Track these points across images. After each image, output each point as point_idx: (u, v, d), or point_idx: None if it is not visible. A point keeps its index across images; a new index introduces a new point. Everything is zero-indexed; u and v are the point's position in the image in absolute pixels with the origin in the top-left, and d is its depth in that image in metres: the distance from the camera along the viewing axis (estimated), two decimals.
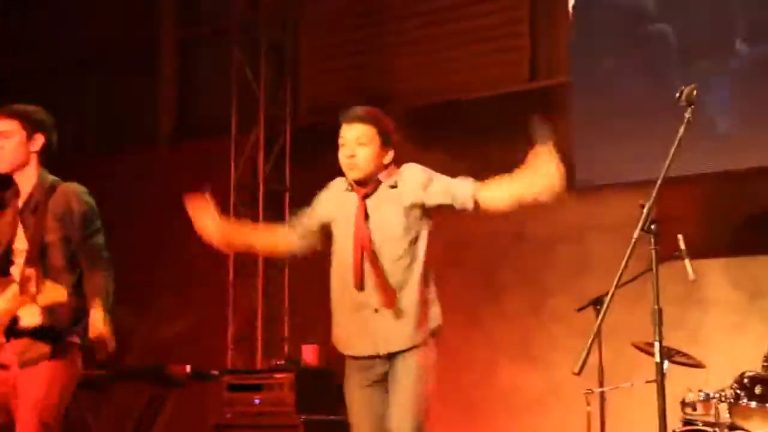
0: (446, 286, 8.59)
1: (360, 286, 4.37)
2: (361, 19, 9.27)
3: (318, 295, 4.78)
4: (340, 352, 4.55)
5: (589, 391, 6.40)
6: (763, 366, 5.96)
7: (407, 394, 4.28)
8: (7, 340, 4.54)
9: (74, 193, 4.68)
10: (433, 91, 8.71)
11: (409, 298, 4.39)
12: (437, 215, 4.56)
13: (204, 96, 10.30)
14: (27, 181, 4.70)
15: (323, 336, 4.82)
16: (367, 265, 4.37)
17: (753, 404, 5.87)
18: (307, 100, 9.51)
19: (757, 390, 5.88)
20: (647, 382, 4.84)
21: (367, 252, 4.37)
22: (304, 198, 4.80)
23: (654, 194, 3.89)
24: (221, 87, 9.55)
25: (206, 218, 4.61)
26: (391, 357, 4.38)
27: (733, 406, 5.92)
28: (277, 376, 7.83)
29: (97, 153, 10.45)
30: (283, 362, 8.23)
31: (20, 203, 4.70)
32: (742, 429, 5.93)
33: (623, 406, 6.69)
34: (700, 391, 6.02)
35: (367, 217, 4.47)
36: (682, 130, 3.85)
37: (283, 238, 4.75)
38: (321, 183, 4.74)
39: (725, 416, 5.99)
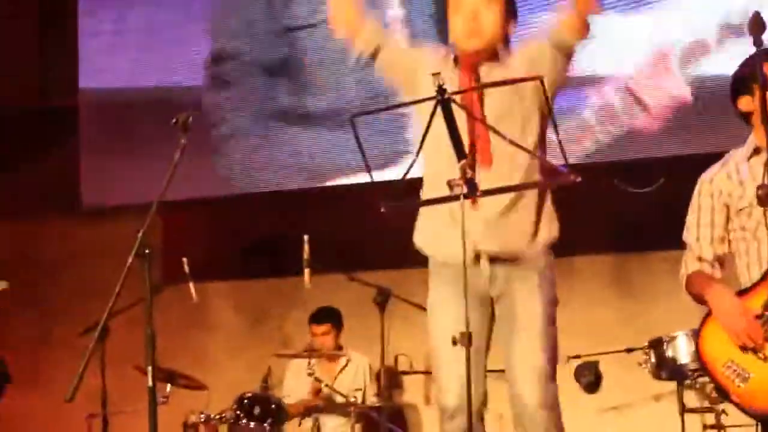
0: None
1: None
2: None
3: None
4: None
5: (91, 416, 6.33)
6: (262, 387, 6.19)
7: None
8: None
9: None
10: None
11: None
12: None
13: None
14: None
15: None
16: None
17: (252, 424, 6.06)
18: None
19: (256, 411, 6.08)
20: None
21: None
22: None
23: (147, 220, 3.87)
24: None
25: None
26: None
27: (233, 426, 6.08)
28: None
29: None
30: None
31: None
32: None
33: (128, 429, 6.68)
34: (201, 412, 6.14)
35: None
36: (177, 156, 3.86)
37: (361, 24, 3.87)
38: None
39: None
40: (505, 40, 3.80)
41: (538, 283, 3.72)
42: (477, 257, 3.65)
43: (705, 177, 3.82)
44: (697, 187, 3.83)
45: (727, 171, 3.76)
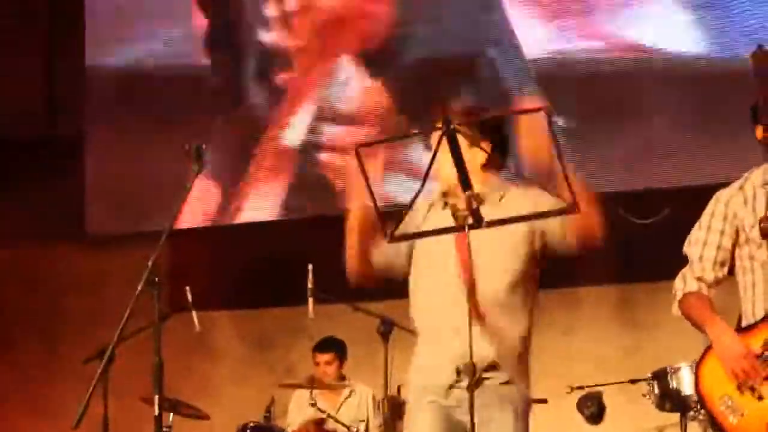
0: None
1: None
2: None
3: None
4: None
5: None
6: (265, 417, 6.17)
7: None
8: None
9: None
10: None
11: None
12: None
13: None
14: None
15: None
16: None
17: None
18: None
19: None
20: None
21: None
22: None
23: (157, 250, 3.88)
24: None
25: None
26: None
27: None
28: None
29: None
30: None
31: None
32: None
33: None
34: None
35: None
36: (190, 184, 3.90)
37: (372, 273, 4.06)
38: None
39: None
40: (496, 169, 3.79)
41: (513, 419, 3.72)
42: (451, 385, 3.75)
43: (721, 197, 3.73)
44: (711, 205, 3.75)
45: (744, 195, 3.68)
